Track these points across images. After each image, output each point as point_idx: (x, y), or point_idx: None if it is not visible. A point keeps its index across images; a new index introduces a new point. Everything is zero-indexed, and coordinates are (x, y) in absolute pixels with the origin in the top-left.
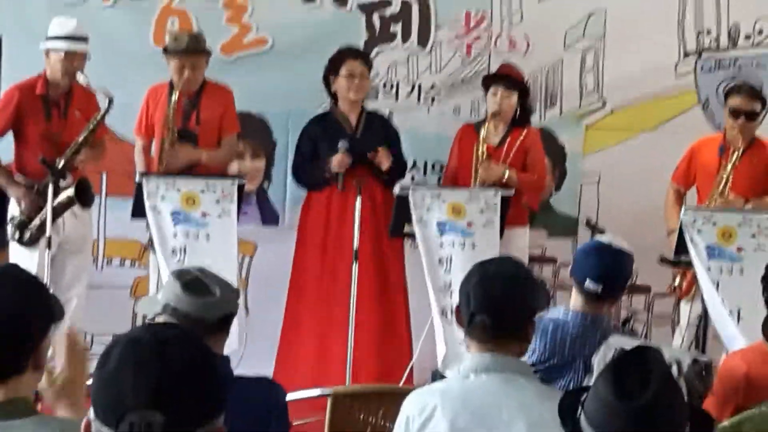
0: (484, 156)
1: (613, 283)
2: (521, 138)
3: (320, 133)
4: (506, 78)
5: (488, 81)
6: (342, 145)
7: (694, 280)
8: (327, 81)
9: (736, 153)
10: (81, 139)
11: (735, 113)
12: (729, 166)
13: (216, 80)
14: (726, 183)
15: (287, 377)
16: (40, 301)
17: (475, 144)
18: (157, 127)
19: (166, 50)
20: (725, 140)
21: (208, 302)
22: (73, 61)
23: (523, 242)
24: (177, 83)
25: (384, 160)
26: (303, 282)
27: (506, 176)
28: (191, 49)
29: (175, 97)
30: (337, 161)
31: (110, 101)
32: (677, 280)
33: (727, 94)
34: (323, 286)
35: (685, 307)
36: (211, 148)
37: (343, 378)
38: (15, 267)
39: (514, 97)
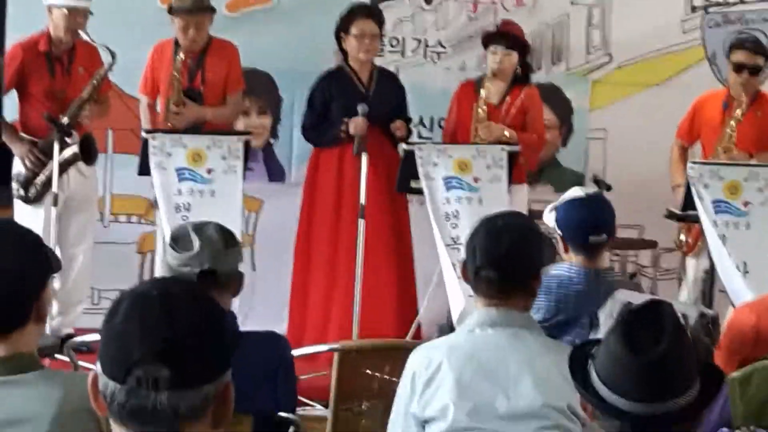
0: (484, 115)
1: (612, 228)
2: (521, 97)
3: (334, 91)
4: (506, 36)
5: (488, 39)
6: (362, 109)
7: (700, 235)
8: (338, 38)
9: (740, 108)
10: (85, 95)
11: (738, 68)
12: (733, 122)
13: (221, 38)
14: (730, 138)
15: (300, 333)
16: (36, 254)
17: (474, 103)
18: (163, 84)
19: (170, 9)
20: (729, 95)
21: (184, 256)
22: (76, 17)
23: (520, 198)
24: (182, 42)
25: (400, 132)
26: (312, 239)
27: (505, 136)
28: (196, 9)
29: (180, 56)
30: (357, 125)
31: (113, 56)
32: (682, 235)
33: (730, 49)
34: (335, 243)
35: (691, 261)
36: (216, 107)
37: (363, 333)
38: (9, 222)
39: (514, 56)
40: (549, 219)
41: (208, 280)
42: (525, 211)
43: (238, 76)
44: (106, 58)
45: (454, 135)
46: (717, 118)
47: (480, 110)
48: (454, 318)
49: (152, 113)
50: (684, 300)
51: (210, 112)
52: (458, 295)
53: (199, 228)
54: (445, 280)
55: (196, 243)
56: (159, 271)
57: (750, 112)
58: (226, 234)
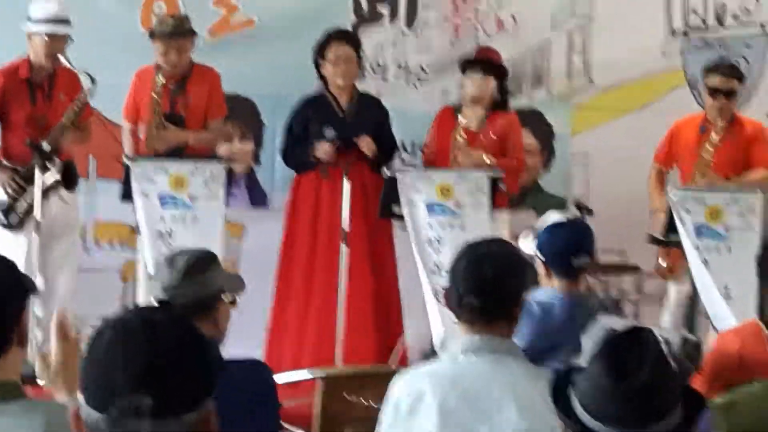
0: (463, 142)
1: (593, 251)
2: (500, 123)
3: (311, 115)
4: (483, 62)
5: (465, 65)
6: (329, 134)
7: (679, 260)
8: (317, 64)
9: (717, 132)
10: (66, 120)
11: (714, 92)
12: (709, 146)
13: (203, 63)
14: (708, 162)
15: (278, 359)
16: (11, 278)
17: (453, 129)
18: (144, 110)
19: (151, 34)
20: (706, 119)
21: (169, 288)
22: (56, 43)
23: (501, 224)
24: (163, 66)
25: (366, 149)
26: (292, 264)
27: (485, 163)
28: (176, 33)
29: (161, 80)
30: (323, 151)
31: (93, 81)
32: (661, 260)
33: (705, 73)
34: (313, 268)
35: (672, 287)
36: (198, 131)
37: (334, 359)
38: None
39: (492, 82)
40: (526, 245)
41: (186, 308)
42: (506, 237)
43: (220, 102)
44: (86, 83)
45: (433, 161)
46: (694, 142)
47: (459, 137)
48: (436, 343)
49: (135, 139)
50: (665, 324)
51: (191, 136)
52: (439, 320)
53: (174, 256)
54: (426, 306)
55: (158, 272)
56: (141, 298)
57: (726, 136)
58: (195, 263)
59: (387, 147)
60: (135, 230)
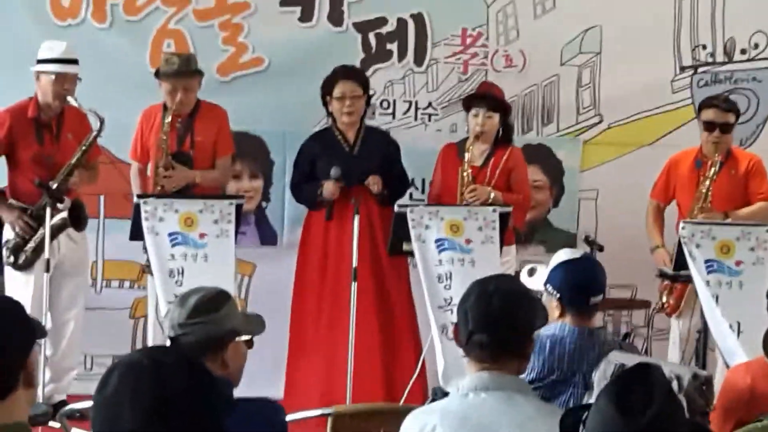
0: (469, 178)
1: (604, 288)
2: (504, 158)
3: (318, 151)
4: (487, 98)
5: (469, 102)
6: (334, 172)
7: (682, 295)
8: (324, 102)
9: (714, 167)
10: (74, 160)
11: (709, 126)
12: (708, 181)
13: (210, 101)
14: (706, 197)
15: (296, 398)
16: (17, 320)
17: (459, 166)
18: (152, 149)
19: (158, 73)
20: (702, 153)
21: (176, 326)
22: (64, 83)
23: (509, 260)
24: (170, 105)
25: (374, 187)
26: (305, 301)
27: (491, 198)
28: (183, 72)
29: (168, 119)
30: (329, 191)
31: (102, 122)
32: (664, 297)
33: (701, 108)
34: (325, 306)
35: (675, 322)
36: (206, 170)
37: (354, 397)
38: None
39: (496, 118)
40: (531, 282)
41: (194, 347)
42: (514, 273)
43: (227, 140)
44: (94, 123)
45: (439, 198)
46: (691, 176)
47: (465, 174)
48: (439, 379)
49: (143, 178)
50: (673, 360)
51: (199, 174)
52: (440, 356)
53: (187, 295)
54: (434, 342)
55: (170, 311)
56: (151, 336)
57: (724, 170)
58: (206, 302)
59: (397, 182)
60: (145, 269)
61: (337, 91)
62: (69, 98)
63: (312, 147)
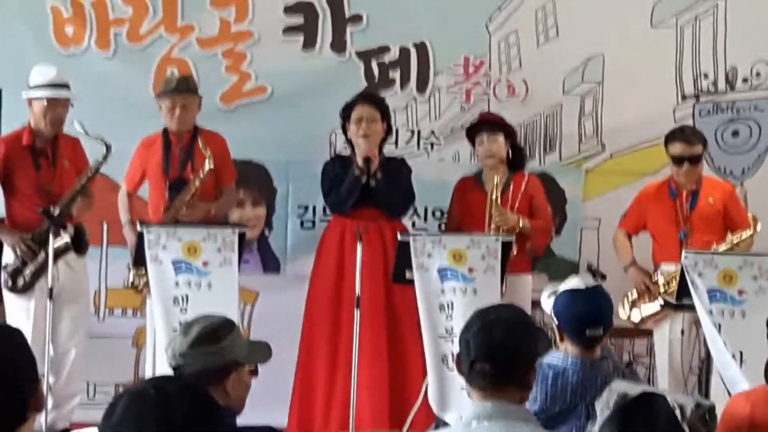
0: (498, 202)
1: (609, 320)
2: (524, 184)
3: (340, 173)
4: (487, 122)
5: (471, 132)
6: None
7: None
8: (343, 128)
9: (687, 197)
10: (79, 186)
11: (678, 160)
12: (685, 212)
13: (210, 128)
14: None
15: (304, 424)
16: (23, 347)
17: (480, 195)
18: (152, 176)
19: (158, 94)
20: (675, 183)
21: (178, 356)
22: (56, 108)
23: (527, 289)
24: (169, 124)
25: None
26: (315, 328)
27: (521, 225)
28: (182, 89)
29: (200, 176)
30: (363, 150)
31: (108, 148)
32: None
33: (666, 142)
34: (335, 333)
35: (657, 332)
36: (209, 196)
37: (360, 424)
38: None
39: (501, 138)
40: (547, 305)
41: (195, 376)
42: (529, 302)
43: (230, 166)
44: (91, 149)
45: (458, 229)
46: (664, 206)
47: (494, 198)
48: (433, 408)
49: (130, 201)
50: (664, 366)
51: (214, 207)
52: (441, 385)
53: (191, 323)
54: (428, 371)
55: (173, 339)
56: (150, 363)
57: (701, 199)
58: (210, 331)
59: (402, 192)
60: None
61: (354, 115)
62: (77, 125)
63: (336, 166)
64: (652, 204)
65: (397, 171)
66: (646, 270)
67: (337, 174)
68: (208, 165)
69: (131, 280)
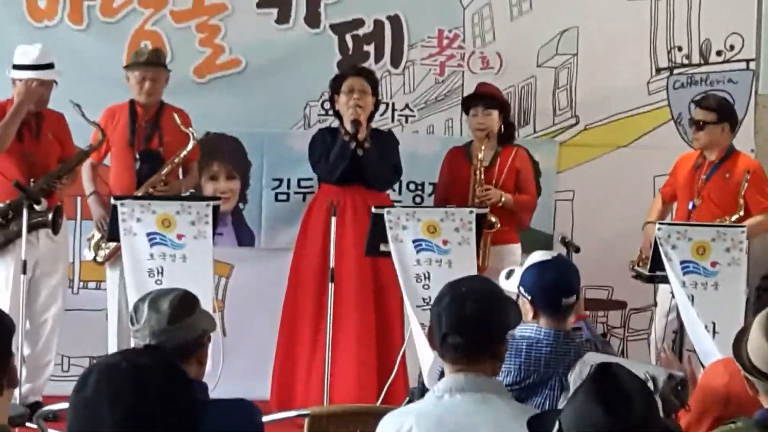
0: (482, 177)
1: (579, 289)
2: (512, 158)
3: (329, 142)
4: (484, 97)
5: (468, 102)
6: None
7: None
8: (332, 100)
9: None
10: (70, 165)
11: (690, 123)
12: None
13: (182, 102)
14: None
15: (286, 396)
16: None
17: (468, 167)
18: (115, 146)
19: (127, 66)
20: (702, 155)
21: (133, 329)
22: (41, 88)
23: (514, 258)
24: (138, 96)
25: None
26: (298, 301)
27: (503, 200)
28: (152, 62)
29: (193, 135)
30: (351, 114)
31: (103, 134)
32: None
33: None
34: (317, 307)
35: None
36: (175, 173)
37: (346, 397)
38: None
39: (495, 114)
40: (508, 285)
41: (175, 352)
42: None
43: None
44: (74, 120)
45: (447, 200)
46: (689, 177)
47: (478, 172)
48: (424, 377)
49: (94, 172)
50: (660, 329)
51: (184, 183)
52: (428, 354)
53: (155, 299)
54: (415, 341)
55: (143, 317)
56: (112, 335)
57: (718, 173)
58: (180, 306)
59: (391, 167)
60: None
61: (345, 86)
62: (74, 108)
63: (324, 138)
64: (681, 171)
65: (385, 143)
66: None
67: (326, 144)
68: (192, 142)
69: (93, 255)
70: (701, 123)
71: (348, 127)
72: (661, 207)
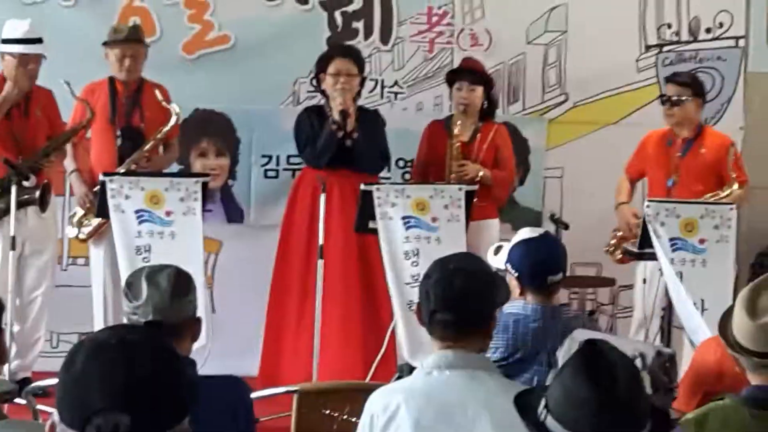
0: (458, 152)
1: (565, 266)
2: (492, 134)
3: (316, 126)
4: (470, 72)
5: (452, 76)
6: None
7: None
8: (318, 79)
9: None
10: (58, 142)
11: (663, 100)
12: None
13: (171, 78)
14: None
15: (274, 373)
16: None
17: (447, 141)
18: (96, 123)
19: (106, 43)
20: (672, 132)
21: (132, 305)
22: (28, 63)
23: (492, 232)
24: (117, 73)
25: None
26: (287, 278)
27: (480, 176)
28: (132, 38)
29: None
30: (339, 104)
31: (92, 113)
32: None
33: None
34: (305, 284)
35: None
36: (155, 150)
37: (332, 374)
38: None
39: (479, 90)
40: (495, 261)
41: (159, 328)
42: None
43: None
44: (63, 97)
45: (426, 174)
46: (660, 153)
47: (454, 147)
48: (405, 354)
49: (75, 150)
50: (636, 330)
51: (166, 159)
52: (402, 333)
53: (152, 275)
54: (397, 319)
55: (144, 293)
56: (98, 312)
57: (693, 148)
58: (179, 282)
59: (377, 152)
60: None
61: (332, 68)
62: (63, 84)
63: (310, 118)
64: (652, 150)
65: (372, 128)
66: (635, 210)
67: (312, 127)
68: (174, 117)
69: (76, 232)
70: (676, 99)
71: (336, 116)
72: (629, 186)
